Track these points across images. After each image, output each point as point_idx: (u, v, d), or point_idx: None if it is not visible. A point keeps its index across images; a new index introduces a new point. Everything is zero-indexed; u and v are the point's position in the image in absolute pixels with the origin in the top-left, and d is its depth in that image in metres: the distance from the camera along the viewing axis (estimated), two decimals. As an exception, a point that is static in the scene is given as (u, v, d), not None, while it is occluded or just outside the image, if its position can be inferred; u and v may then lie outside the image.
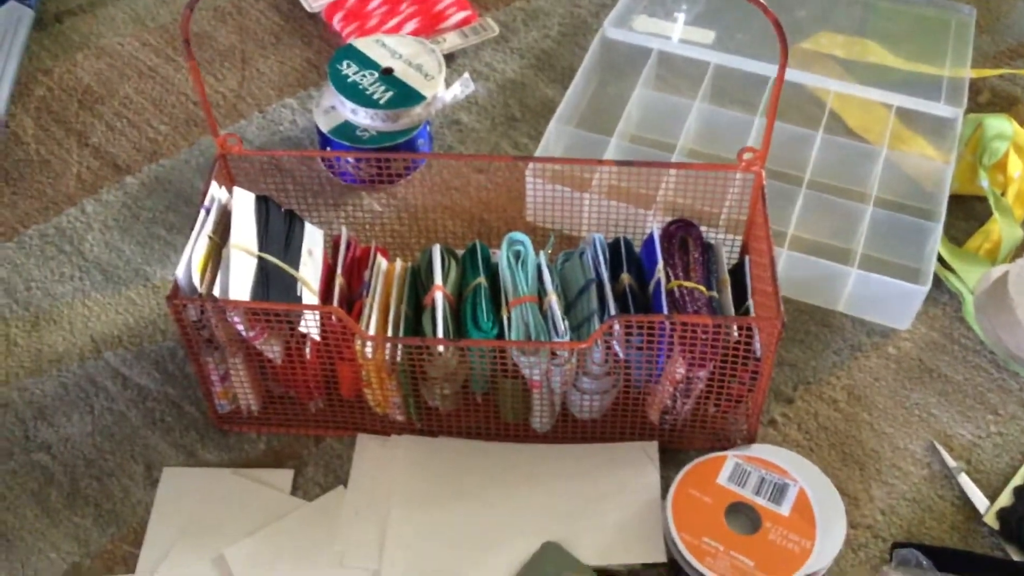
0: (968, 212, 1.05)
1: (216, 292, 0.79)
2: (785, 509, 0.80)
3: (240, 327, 0.81)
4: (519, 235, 0.89)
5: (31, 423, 0.90)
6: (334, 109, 1.07)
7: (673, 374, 0.82)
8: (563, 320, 0.82)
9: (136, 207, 1.07)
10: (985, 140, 1.07)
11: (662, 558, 0.80)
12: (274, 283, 0.82)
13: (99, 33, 1.24)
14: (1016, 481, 0.86)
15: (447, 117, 1.15)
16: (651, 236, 0.88)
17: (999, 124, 1.07)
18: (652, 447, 0.87)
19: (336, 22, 1.23)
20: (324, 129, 1.07)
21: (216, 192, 0.86)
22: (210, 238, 0.83)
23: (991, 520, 0.83)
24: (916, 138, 1.11)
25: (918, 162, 1.08)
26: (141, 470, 0.87)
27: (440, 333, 0.82)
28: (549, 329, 0.82)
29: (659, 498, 0.84)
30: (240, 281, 0.80)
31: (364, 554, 0.82)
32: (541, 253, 0.88)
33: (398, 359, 0.83)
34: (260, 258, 0.83)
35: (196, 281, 0.79)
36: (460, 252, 0.91)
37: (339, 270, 0.88)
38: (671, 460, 0.87)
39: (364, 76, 1.06)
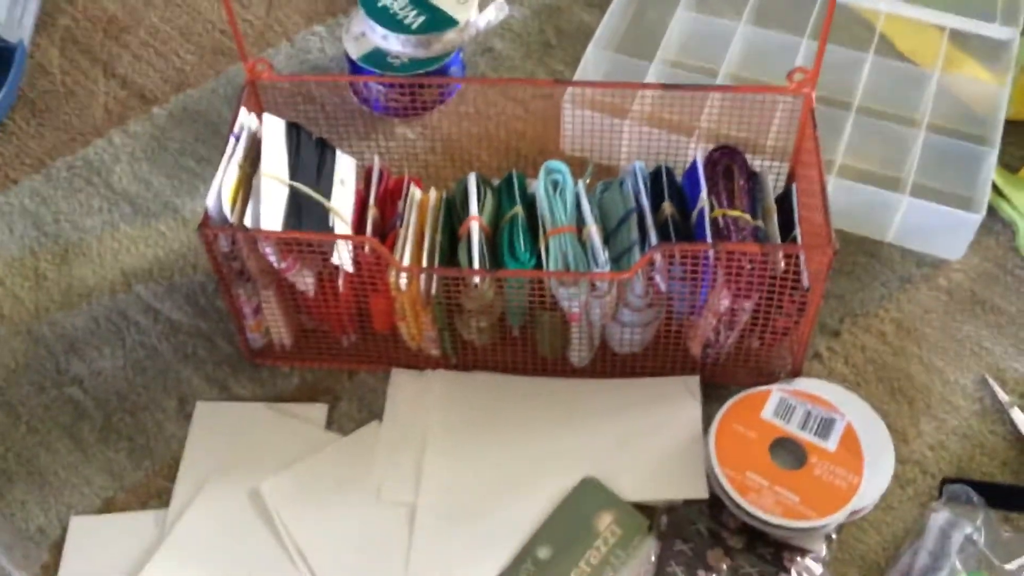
0: (1024, 138, 1.01)
1: (247, 222, 0.77)
2: (831, 444, 0.77)
3: (272, 258, 0.79)
4: (557, 164, 0.86)
5: (62, 357, 0.89)
6: (364, 35, 1.04)
7: (717, 306, 0.79)
8: (603, 251, 0.79)
9: (164, 138, 1.04)
10: (1044, 62, 1.02)
11: (704, 494, 0.78)
12: (306, 213, 0.80)
13: (123, -40, 1.21)
14: (1072, 416, 0.83)
15: (480, 44, 1.12)
16: (694, 164, 0.84)
17: (1059, 45, 1.02)
18: (694, 381, 0.85)
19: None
20: (354, 56, 1.03)
21: (245, 119, 0.83)
22: (240, 167, 0.80)
23: (1045, 456, 0.81)
24: (969, 61, 1.06)
25: (972, 86, 1.04)
26: (174, 404, 0.86)
27: (476, 264, 0.80)
28: (588, 260, 0.80)
29: (701, 433, 0.81)
30: (272, 210, 0.78)
31: (400, 488, 0.80)
32: (579, 182, 0.85)
33: (433, 291, 0.81)
34: (291, 187, 0.80)
35: (227, 210, 0.77)
36: (496, 182, 0.88)
37: (372, 200, 0.86)
38: (713, 395, 0.84)
39: (395, 0, 1.02)
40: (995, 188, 0.95)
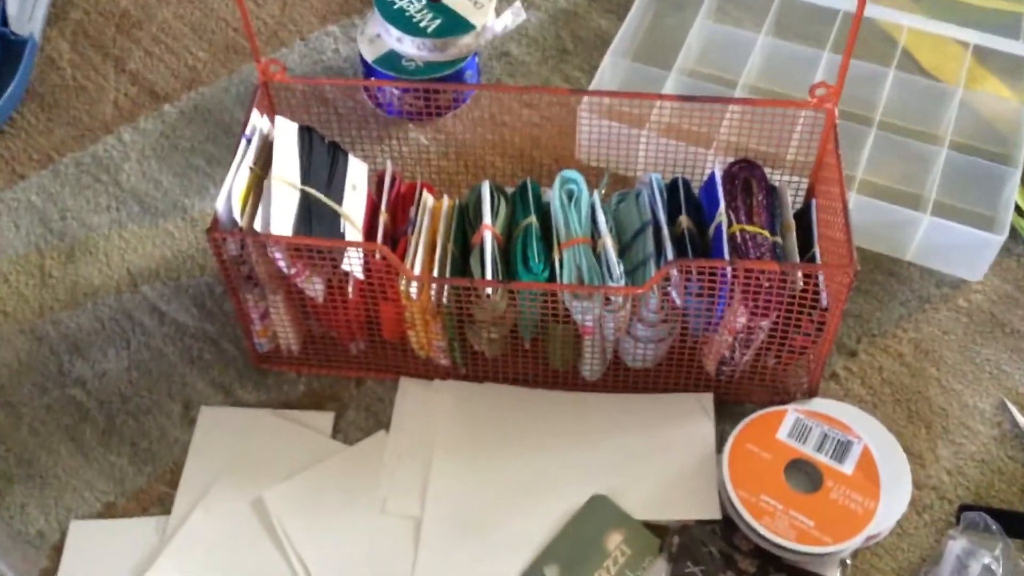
0: (1048, 158, 0.99)
1: (257, 226, 0.76)
2: (848, 467, 0.76)
3: (281, 263, 0.77)
4: (572, 173, 0.84)
5: (66, 357, 0.88)
6: (379, 37, 1.03)
7: (733, 323, 0.78)
8: (618, 264, 0.78)
9: (174, 136, 1.03)
10: (1069, 81, 1.00)
11: (716, 515, 0.77)
12: (317, 218, 0.78)
13: (137, -45, 1.20)
14: (1093, 444, 0.82)
15: (496, 48, 1.10)
16: (712, 177, 0.83)
17: (1085, 64, 1.01)
18: (707, 399, 0.83)
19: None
20: (368, 58, 1.02)
21: (257, 121, 0.82)
22: (251, 169, 0.79)
23: (1065, 484, 0.79)
24: (993, 78, 1.04)
25: (995, 103, 1.02)
26: (178, 409, 0.85)
27: (489, 274, 0.78)
28: (603, 273, 0.78)
29: (714, 452, 0.80)
30: (282, 215, 0.76)
31: (406, 500, 0.79)
32: (595, 192, 0.83)
33: (444, 301, 0.79)
34: (303, 191, 0.79)
35: (236, 214, 0.76)
36: (510, 190, 0.87)
37: (383, 206, 0.85)
38: (726, 413, 0.83)
39: (411, 3, 1.01)
40: (1017, 209, 0.93)
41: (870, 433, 0.79)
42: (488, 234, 0.81)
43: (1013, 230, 0.93)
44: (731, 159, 0.86)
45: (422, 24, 1.00)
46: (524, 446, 0.82)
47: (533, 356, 0.84)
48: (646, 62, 1.05)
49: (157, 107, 1.05)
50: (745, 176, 0.84)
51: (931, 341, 0.88)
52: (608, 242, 0.79)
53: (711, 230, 0.81)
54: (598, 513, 0.77)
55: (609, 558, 0.75)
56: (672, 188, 0.85)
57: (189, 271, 0.93)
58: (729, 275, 0.75)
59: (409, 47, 1.00)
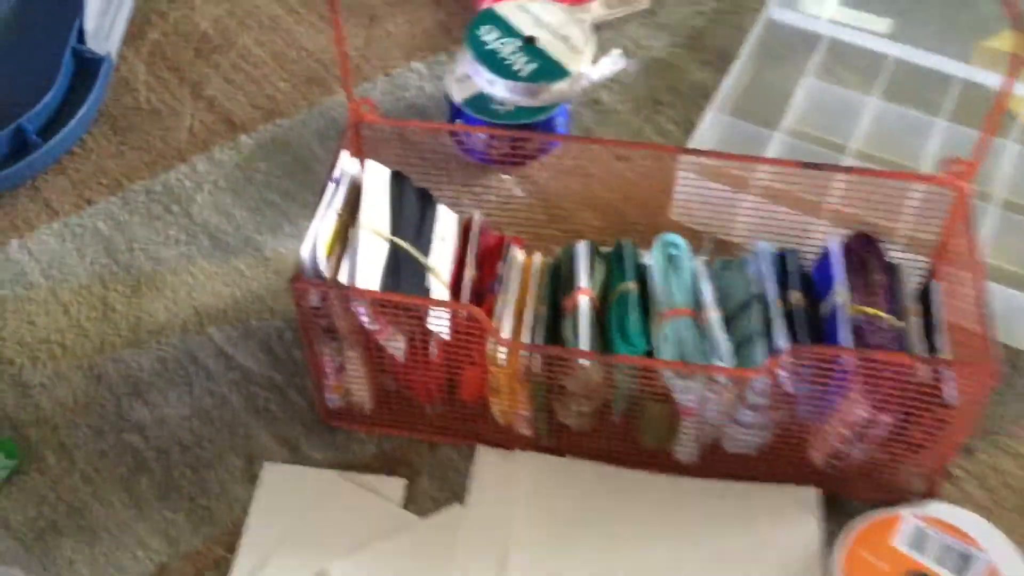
0: None
1: (342, 278, 0.71)
2: (969, 583, 0.69)
3: (364, 319, 0.72)
4: (673, 236, 0.78)
5: (125, 399, 0.83)
6: (469, 78, 0.98)
7: (849, 415, 0.71)
8: (725, 341, 0.72)
9: (250, 169, 0.99)
10: None
11: (820, 624, 0.70)
12: (405, 272, 0.73)
13: (220, -23, 1.16)
14: None
15: (586, 94, 1.05)
16: (828, 251, 0.77)
17: None
18: (812, 493, 0.76)
19: (473, -18, 1.13)
20: (456, 99, 0.97)
21: (346, 164, 0.77)
22: (339, 215, 0.74)
23: None
24: (1120, 158, 0.97)
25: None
26: (240, 463, 0.79)
27: (584, 343, 0.72)
28: (708, 349, 0.72)
29: (818, 554, 0.73)
30: (369, 268, 0.71)
31: (480, 583, 0.73)
32: (698, 259, 0.78)
33: (533, 368, 0.73)
34: (392, 243, 0.74)
35: (322, 263, 0.71)
36: (605, 249, 0.81)
37: (470, 258, 0.79)
38: (831, 509, 0.76)
39: (505, 44, 0.96)
40: None
41: (994, 546, 0.72)
42: (585, 300, 0.75)
43: None
44: (840, 229, 0.80)
45: (515, 67, 0.95)
46: (609, 532, 0.75)
47: (623, 432, 0.78)
48: (747, 119, 1.00)
49: (233, 137, 1.01)
50: (862, 251, 0.78)
51: (1054, 442, 0.81)
52: (714, 315, 0.74)
53: (824, 308, 0.75)
54: (688, 612, 0.71)
55: (701, 665, 0.69)
56: (780, 258, 0.79)
57: (259, 313, 0.88)
58: (851, 364, 0.69)
59: (500, 90, 0.95)
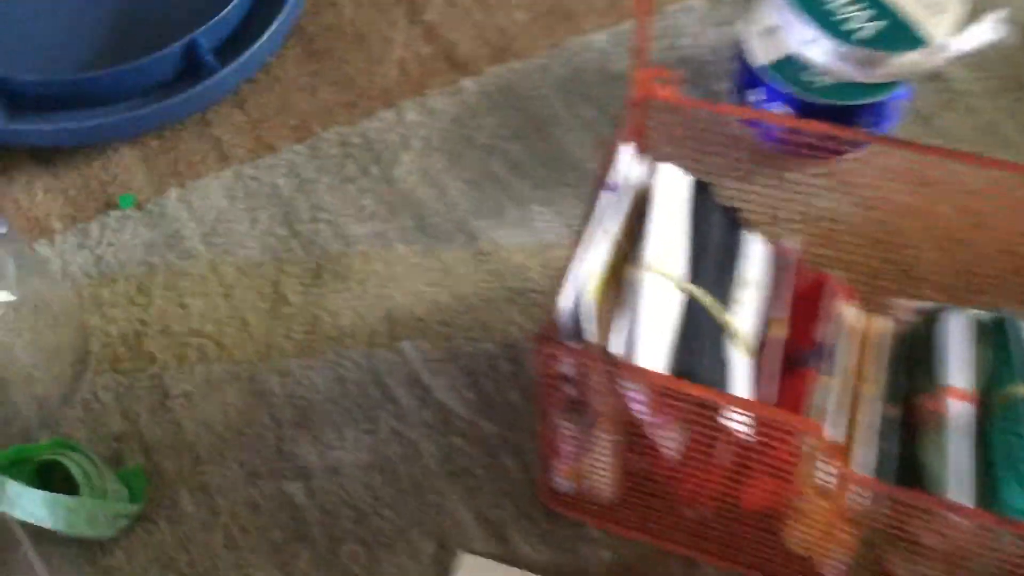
0: None
1: (617, 347, 0.47)
2: None
3: (638, 406, 0.49)
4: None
5: (289, 430, 0.63)
6: (777, 33, 0.72)
7: None
8: None
9: (471, 125, 0.76)
10: None
11: None
12: (702, 340, 0.50)
13: None
14: None
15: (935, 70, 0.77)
16: None
17: None
18: None
19: None
20: (758, 59, 0.71)
21: (626, 164, 0.53)
22: (617, 244, 0.50)
23: None
24: None
25: None
26: (430, 548, 0.59)
27: (957, 481, 0.48)
28: None
29: None
30: (655, 334, 0.48)
31: None
32: None
33: (876, 507, 0.49)
34: (688, 294, 0.50)
35: (587, 319, 0.48)
36: (984, 315, 0.55)
37: (779, 310, 0.55)
38: None
39: (838, -9, 0.70)
40: None
41: None
42: (960, 408, 0.50)
43: None
44: None
45: (851, 25, 0.68)
46: None
47: (980, 599, 0.53)
48: None
49: (453, 79, 0.78)
50: None
51: None
52: None
53: None
54: None
55: None
56: None
57: (467, 330, 0.66)
58: None
59: (823, 55, 0.69)
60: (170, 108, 0.75)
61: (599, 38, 0.79)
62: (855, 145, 0.71)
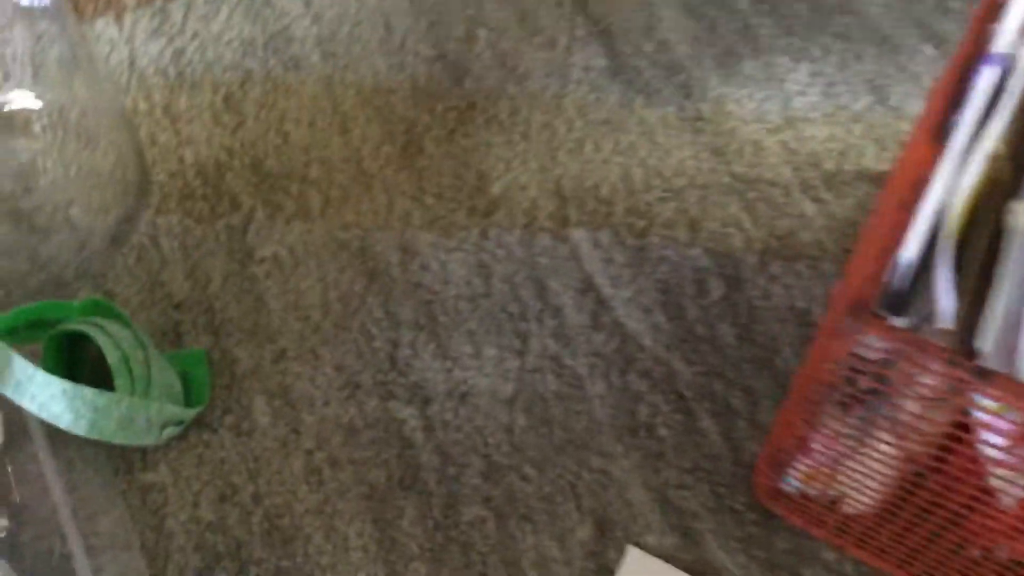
0: None
1: (986, 343, 0.28)
2: None
3: (992, 434, 0.30)
4: None
5: (407, 331, 0.46)
6: None
7: None
8: None
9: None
10: None
11: None
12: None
13: None
14: None
15: None
16: None
17: None
18: None
19: None
20: None
21: (1012, 30, 0.32)
22: (990, 157, 0.30)
23: None
24: None
25: None
26: (585, 530, 0.42)
27: None
28: None
29: None
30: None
31: None
32: None
33: None
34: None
35: (946, 288, 0.28)
36: None
37: None
38: None
39: None
40: None
41: None
42: None
43: None
44: None
45: None
46: None
47: None
48: None
49: None
50: None
51: None
52: None
53: None
54: None
55: None
56: None
57: (668, 227, 0.47)
58: None
59: None
60: None
61: None
62: None
